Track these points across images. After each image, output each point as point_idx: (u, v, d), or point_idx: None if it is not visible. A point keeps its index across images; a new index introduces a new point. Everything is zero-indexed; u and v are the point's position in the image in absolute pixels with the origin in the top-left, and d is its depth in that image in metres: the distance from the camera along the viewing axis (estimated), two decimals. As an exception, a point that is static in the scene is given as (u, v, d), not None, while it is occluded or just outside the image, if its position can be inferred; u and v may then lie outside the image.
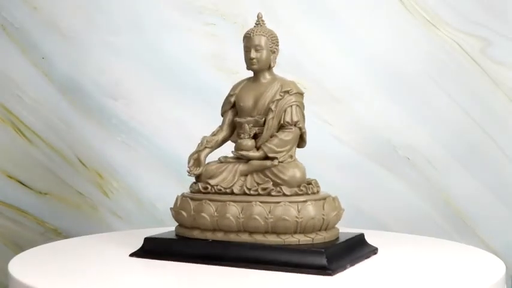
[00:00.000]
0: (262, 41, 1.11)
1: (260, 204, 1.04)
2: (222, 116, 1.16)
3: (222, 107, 1.15)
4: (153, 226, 1.59)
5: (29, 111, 1.66)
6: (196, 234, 1.08)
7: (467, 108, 1.69)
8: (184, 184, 1.65)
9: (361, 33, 1.69)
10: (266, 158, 1.09)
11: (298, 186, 1.06)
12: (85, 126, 1.67)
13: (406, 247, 1.23)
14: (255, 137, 1.11)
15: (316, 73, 1.69)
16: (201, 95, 1.66)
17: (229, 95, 1.15)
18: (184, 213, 1.10)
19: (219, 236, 1.06)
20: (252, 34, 1.12)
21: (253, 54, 1.11)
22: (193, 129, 1.66)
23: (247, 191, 1.07)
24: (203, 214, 1.07)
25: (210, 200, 1.08)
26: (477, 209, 1.69)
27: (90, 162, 1.67)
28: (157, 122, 1.68)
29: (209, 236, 1.07)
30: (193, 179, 1.15)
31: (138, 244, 1.13)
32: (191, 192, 1.13)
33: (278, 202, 1.04)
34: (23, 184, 1.67)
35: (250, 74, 1.15)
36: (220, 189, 1.09)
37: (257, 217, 1.03)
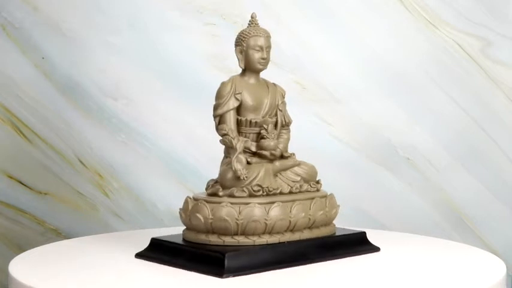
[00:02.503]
0: (270, 42, 1.13)
1: (315, 200, 1.08)
2: (220, 115, 1.11)
3: (223, 106, 1.10)
4: (153, 226, 1.59)
5: (29, 111, 1.66)
6: (253, 240, 1.03)
7: (467, 108, 1.69)
8: (184, 184, 1.66)
9: (361, 33, 1.69)
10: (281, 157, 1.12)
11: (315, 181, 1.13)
12: (85, 126, 1.67)
13: (406, 247, 1.23)
14: (261, 137, 1.11)
15: (316, 73, 1.69)
16: (201, 95, 1.65)
17: (235, 93, 1.11)
18: (229, 219, 1.01)
19: (288, 236, 1.05)
20: (265, 34, 1.13)
21: (265, 54, 1.12)
22: (193, 129, 1.66)
23: (293, 190, 1.09)
24: (266, 218, 1.02)
25: (263, 203, 1.04)
26: (477, 209, 1.70)
27: (90, 162, 1.67)
28: (158, 122, 1.68)
29: (274, 239, 1.04)
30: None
31: (138, 244, 1.13)
32: (227, 196, 1.05)
33: (320, 197, 1.09)
34: (23, 184, 1.67)
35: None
36: (271, 191, 1.06)
37: (321, 212, 1.09)
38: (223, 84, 1.12)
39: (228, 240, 1.02)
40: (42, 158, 1.66)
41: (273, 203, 1.03)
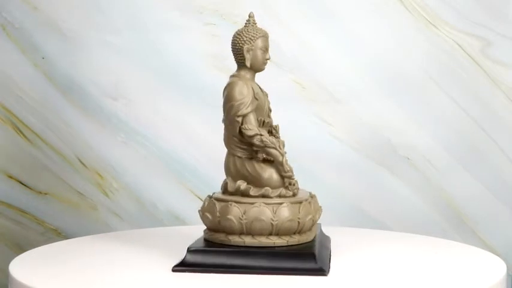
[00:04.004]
0: None
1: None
2: (245, 115, 1.09)
3: (248, 105, 1.08)
4: (153, 226, 1.59)
5: (29, 111, 1.66)
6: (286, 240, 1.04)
7: (467, 108, 1.69)
8: (184, 184, 1.66)
9: (361, 33, 1.69)
10: None
11: None
12: (85, 126, 1.67)
13: (406, 247, 1.23)
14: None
15: (316, 73, 1.69)
16: (201, 95, 1.66)
17: (254, 94, 1.10)
18: (294, 218, 1.03)
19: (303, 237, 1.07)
20: (267, 35, 1.13)
21: (268, 55, 1.12)
22: (193, 129, 1.66)
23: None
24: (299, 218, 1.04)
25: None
26: (477, 209, 1.70)
27: (90, 162, 1.67)
28: (157, 122, 1.68)
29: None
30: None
31: (138, 244, 1.13)
32: (268, 196, 1.05)
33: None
34: (23, 184, 1.67)
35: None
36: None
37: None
38: (238, 83, 1.09)
39: (263, 240, 1.03)
40: (42, 158, 1.66)
41: (300, 202, 1.05)
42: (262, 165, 1.07)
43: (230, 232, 1.04)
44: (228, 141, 1.10)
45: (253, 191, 1.05)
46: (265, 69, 1.14)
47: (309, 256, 1.00)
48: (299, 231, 1.04)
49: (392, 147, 1.70)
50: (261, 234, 1.02)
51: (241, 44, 1.11)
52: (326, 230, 1.19)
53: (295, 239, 1.04)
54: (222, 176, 1.12)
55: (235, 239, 1.03)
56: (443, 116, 1.70)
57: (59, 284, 0.94)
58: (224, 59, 1.64)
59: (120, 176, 1.67)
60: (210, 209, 1.06)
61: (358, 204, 1.67)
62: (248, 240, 1.02)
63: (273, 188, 1.05)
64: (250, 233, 1.03)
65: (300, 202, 1.05)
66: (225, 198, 1.06)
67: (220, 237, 1.05)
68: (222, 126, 1.12)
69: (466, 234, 1.68)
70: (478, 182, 1.69)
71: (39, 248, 1.20)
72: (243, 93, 1.08)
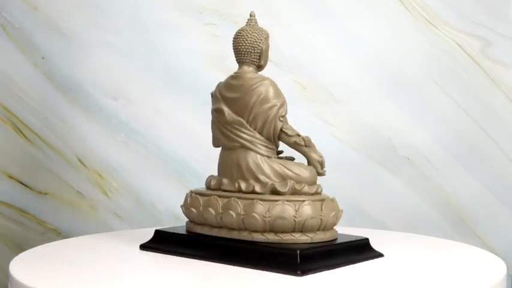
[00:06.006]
0: None
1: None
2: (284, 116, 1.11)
3: (286, 106, 1.11)
4: (152, 226, 1.59)
5: (29, 111, 1.66)
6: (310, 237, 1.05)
7: (467, 108, 1.69)
8: (185, 184, 1.66)
9: (361, 33, 1.69)
10: None
11: None
12: (85, 126, 1.67)
13: (406, 247, 1.23)
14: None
15: (316, 73, 1.69)
16: (201, 95, 1.65)
17: None
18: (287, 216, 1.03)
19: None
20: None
21: None
22: (193, 129, 1.66)
23: None
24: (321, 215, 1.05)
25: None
26: (477, 209, 1.70)
27: (90, 162, 1.67)
28: (157, 122, 1.68)
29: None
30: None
31: (138, 244, 1.13)
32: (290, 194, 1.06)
33: None
34: (23, 184, 1.67)
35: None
36: None
37: None
38: (273, 83, 1.10)
39: (286, 237, 1.03)
40: (42, 158, 1.66)
41: (322, 200, 1.06)
42: (289, 162, 1.09)
43: (253, 230, 1.04)
44: (253, 141, 1.09)
45: (282, 188, 1.06)
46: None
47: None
48: (322, 229, 1.05)
49: (392, 147, 1.70)
50: (283, 231, 1.03)
51: (259, 43, 1.11)
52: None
53: (319, 236, 1.04)
54: (222, 176, 1.12)
55: (258, 237, 1.03)
56: (443, 116, 1.70)
57: (58, 284, 0.94)
58: (224, 59, 1.64)
59: (120, 176, 1.67)
60: (212, 206, 1.07)
61: (358, 204, 1.67)
62: (271, 237, 1.03)
63: (306, 183, 1.07)
64: (272, 230, 1.03)
65: (323, 200, 1.06)
66: (250, 196, 1.05)
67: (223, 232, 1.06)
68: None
69: (466, 234, 1.68)
70: (478, 182, 1.69)
71: (39, 247, 1.20)
72: (282, 93, 1.10)
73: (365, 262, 1.05)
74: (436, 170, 1.70)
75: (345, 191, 1.65)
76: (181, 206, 1.15)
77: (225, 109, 1.10)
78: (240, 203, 1.05)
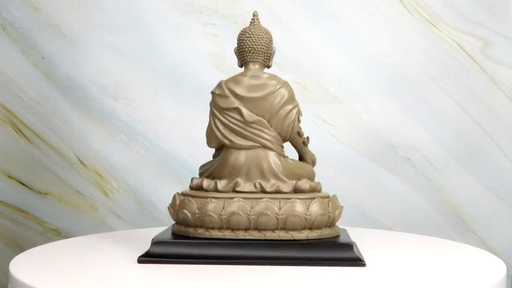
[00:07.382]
0: None
1: None
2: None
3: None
4: (153, 226, 1.59)
5: (29, 111, 1.66)
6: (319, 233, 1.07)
7: (467, 108, 1.69)
8: (185, 184, 1.65)
9: (361, 33, 1.69)
10: None
11: None
12: (85, 126, 1.67)
13: (405, 247, 1.23)
14: None
15: (316, 73, 1.69)
16: (201, 95, 1.65)
17: None
18: (298, 213, 1.05)
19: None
20: None
21: None
22: (193, 129, 1.66)
23: None
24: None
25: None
26: (477, 209, 1.70)
27: (90, 162, 1.67)
28: (157, 122, 1.68)
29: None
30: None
31: (138, 244, 1.13)
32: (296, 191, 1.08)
33: None
34: (23, 184, 1.67)
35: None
36: None
37: None
38: (289, 84, 1.13)
39: (296, 234, 1.05)
40: (42, 158, 1.66)
41: (328, 197, 1.09)
42: (296, 161, 1.13)
43: (264, 228, 1.04)
44: (273, 141, 1.09)
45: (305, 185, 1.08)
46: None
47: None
48: (329, 225, 1.08)
49: (392, 147, 1.70)
50: (293, 229, 1.05)
51: (272, 44, 1.14)
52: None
53: (326, 232, 1.07)
54: (222, 176, 1.13)
55: (269, 234, 1.04)
56: (443, 116, 1.70)
57: (58, 284, 0.94)
58: (224, 59, 1.64)
59: (120, 176, 1.67)
60: (241, 208, 1.05)
61: (358, 204, 1.67)
62: (282, 234, 1.04)
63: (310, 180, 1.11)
64: (284, 227, 1.04)
65: (327, 197, 1.09)
66: (258, 196, 1.05)
67: (254, 233, 1.05)
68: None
69: (466, 234, 1.68)
70: (478, 182, 1.69)
71: (39, 247, 1.20)
72: (294, 95, 1.14)
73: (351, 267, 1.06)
74: (436, 170, 1.70)
75: (345, 191, 1.65)
76: (183, 211, 1.13)
77: (243, 109, 1.09)
78: (275, 203, 1.04)
